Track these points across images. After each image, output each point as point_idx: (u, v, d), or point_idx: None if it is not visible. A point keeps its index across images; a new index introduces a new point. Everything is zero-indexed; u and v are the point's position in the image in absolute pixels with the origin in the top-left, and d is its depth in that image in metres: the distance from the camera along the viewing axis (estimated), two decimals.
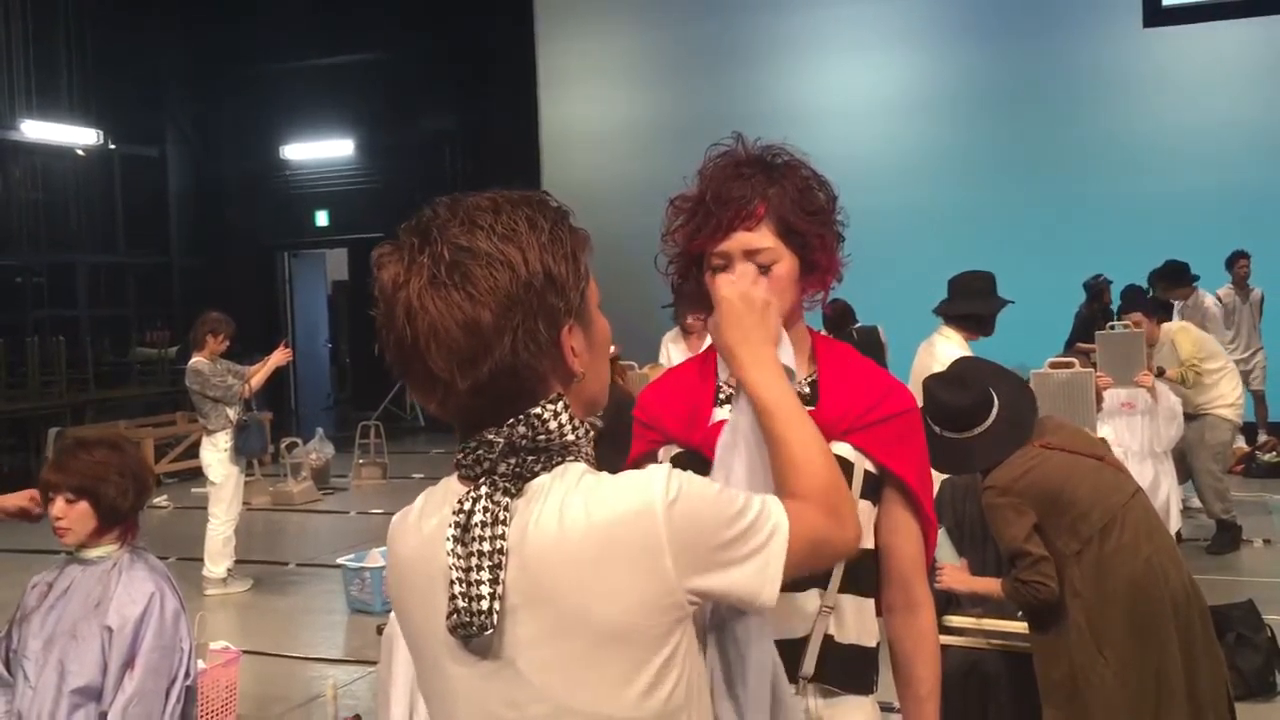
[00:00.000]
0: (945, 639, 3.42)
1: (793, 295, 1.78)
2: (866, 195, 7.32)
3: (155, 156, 15.51)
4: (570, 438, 1.25)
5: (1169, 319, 7.42)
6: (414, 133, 14.64)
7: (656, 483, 1.21)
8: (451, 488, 1.30)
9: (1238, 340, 9.90)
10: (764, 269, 1.75)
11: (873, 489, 1.79)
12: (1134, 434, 6.00)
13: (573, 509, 1.20)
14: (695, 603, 1.25)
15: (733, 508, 1.26)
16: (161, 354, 13.67)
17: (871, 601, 1.83)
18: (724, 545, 1.23)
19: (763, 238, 1.74)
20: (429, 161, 14.38)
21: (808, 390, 1.82)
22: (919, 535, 1.84)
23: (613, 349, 5.33)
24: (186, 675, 2.71)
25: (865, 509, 1.78)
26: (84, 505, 2.69)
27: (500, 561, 1.19)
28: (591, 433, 1.28)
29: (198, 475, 8.25)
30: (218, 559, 6.98)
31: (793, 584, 1.71)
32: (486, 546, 1.19)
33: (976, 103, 11.92)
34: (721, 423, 1.79)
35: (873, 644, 1.82)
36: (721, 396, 1.85)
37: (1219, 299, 9.87)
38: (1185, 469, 6.86)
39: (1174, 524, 6.29)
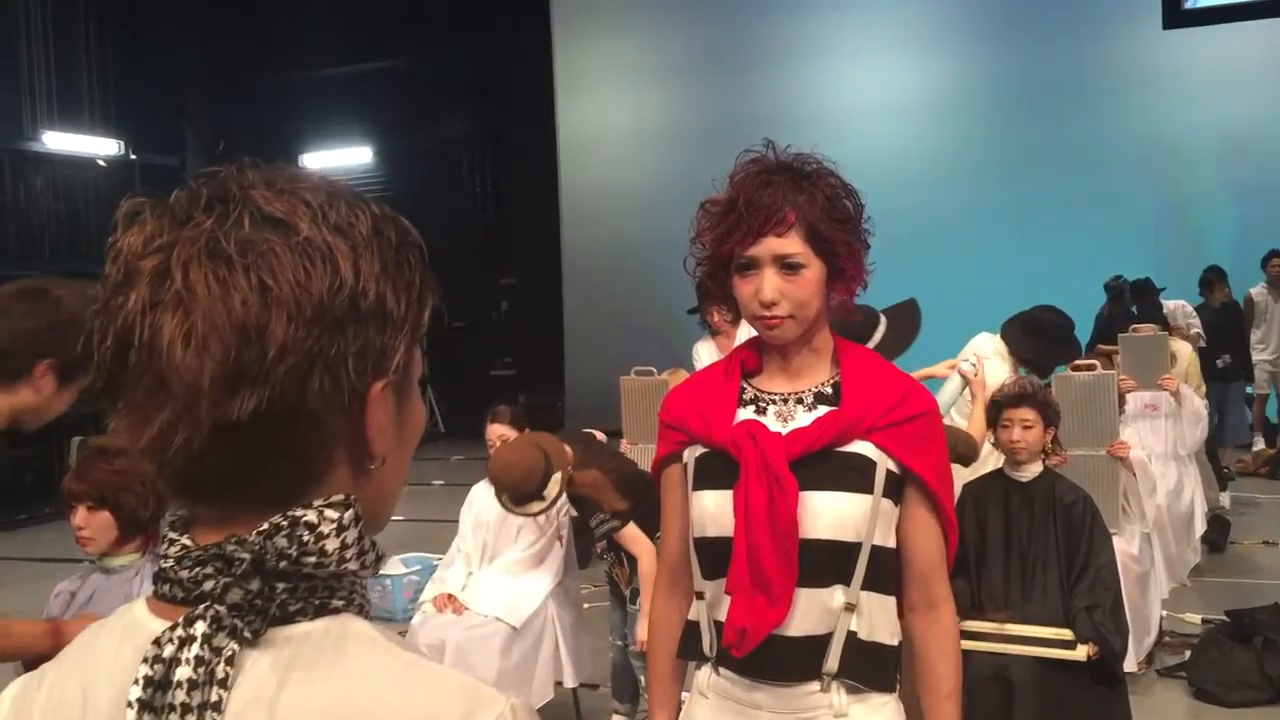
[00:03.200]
0: (970, 644, 3.41)
1: (819, 300, 1.83)
2: (887, 195, 7.27)
3: (175, 165, 15.59)
4: (351, 566, 0.81)
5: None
6: (432, 139, 14.68)
7: (491, 705, 0.79)
8: (136, 621, 0.82)
9: (1268, 340, 9.84)
10: (793, 269, 1.79)
11: (894, 488, 1.82)
12: (1158, 437, 5.96)
13: (358, 696, 0.77)
14: None
15: None
16: None
17: (893, 600, 1.86)
18: None
19: (792, 244, 1.79)
20: (447, 168, 14.41)
21: (830, 391, 1.86)
22: (939, 535, 1.87)
23: (600, 435, 5.04)
24: None
25: (887, 508, 1.81)
26: (105, 515, 2.70)
27: None
28: (381, 562, 0.85)
29: None
30: None
31: (816, 580, 1.77)
32: None
33: (997, 103, 11.86)
34: (745, 421, 1.82)
35: (894, 642, 1.85)
36: (746, 397, 1.88)
37: (1251, 298, 9.82)
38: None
39: (1198, 527, 6.26)
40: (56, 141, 13.85)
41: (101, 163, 14.57)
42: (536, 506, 3.88)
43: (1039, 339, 4.61)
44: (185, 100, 15.54)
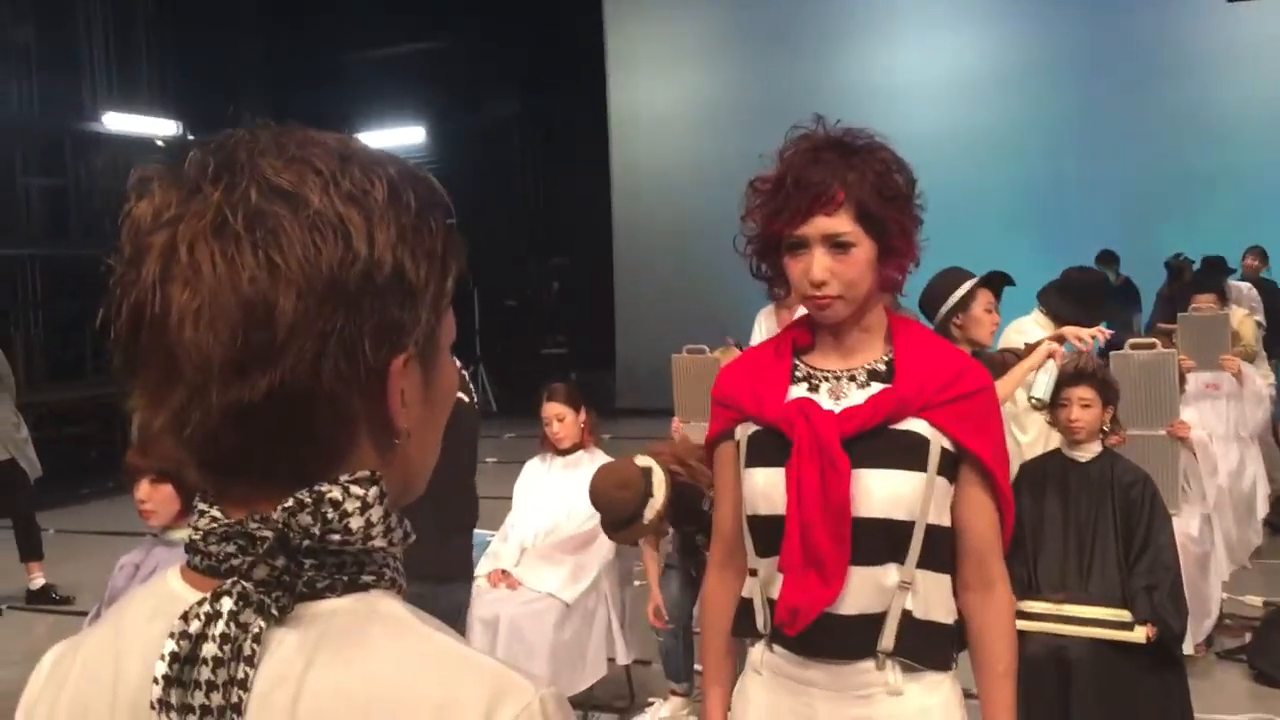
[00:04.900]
0: (1027, 625, 3.38)
1: (870, 278, 1.80)
2: (941, 172, 7.18)
3: None
4: (378, 543, 0.79)
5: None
6: (484, 119, 14.73)
7: (519, 694, 0.76)
8: (170, 591, 0.81)
9: None
10: (842, 248, 1.77)
11: (949, 466, 1.80)
12: (1219, 417, 5.85)
13: (384, 679, 0.75)
14: None
15: None
16: None
17: (948, 578, 1.85)
18: None
19: (841, 223, 1.76)
20: (499, 148, 14.47)
21: (883, 368, 1.85)
22: (995, 513, 1.85)
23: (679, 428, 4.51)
24: None
25: (942, 486, 1.80)
26: (168, 488, 2.76)
27: None
28: (410, 539, 0.83)
29: None
30: None
31: (870, 559, 1.76)
32: (218, 699, 0.74)
33: (1057, 78, 11.67)
34: (797, 399, 1.81)
35: (950, 621, 1.84)
36: (798, 375, 1.87)
37: None
38: None
39: (1261, 509, 6.14)
40: (116, 123, 14.06)
41: (160, 143, 14.77)
42: (649, 512, 3.64)
43: (1072, 298, 4.63)
44: (242, 80, 15.70)
